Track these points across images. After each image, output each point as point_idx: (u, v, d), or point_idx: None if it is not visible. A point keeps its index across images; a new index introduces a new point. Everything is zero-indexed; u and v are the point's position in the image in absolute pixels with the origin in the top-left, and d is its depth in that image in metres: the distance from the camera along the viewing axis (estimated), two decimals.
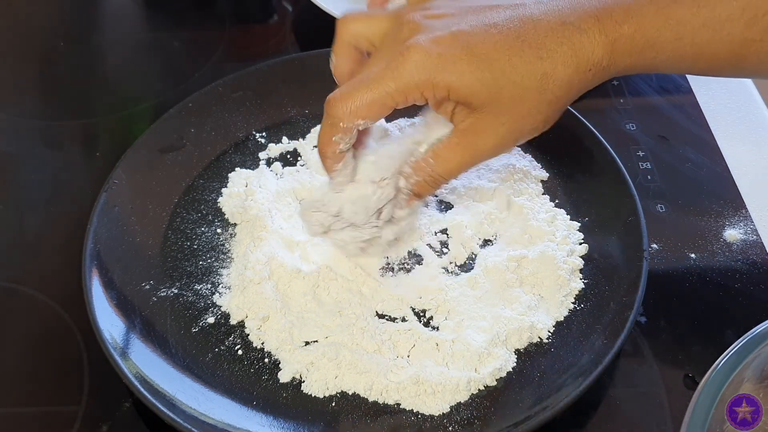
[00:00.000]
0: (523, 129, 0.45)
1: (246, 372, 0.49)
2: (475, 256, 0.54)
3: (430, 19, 0.45)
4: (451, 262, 0.54)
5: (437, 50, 0.43)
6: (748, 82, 0.70)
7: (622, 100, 0.68)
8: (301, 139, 0.63)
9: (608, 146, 0.57)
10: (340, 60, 0.48)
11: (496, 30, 0.43)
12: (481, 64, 0.43)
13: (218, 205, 0.59)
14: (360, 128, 0.46)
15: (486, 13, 0.45)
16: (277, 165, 0.61)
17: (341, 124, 0.45)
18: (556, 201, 0.58)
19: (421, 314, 0.51)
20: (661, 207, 0.59)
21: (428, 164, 0.47)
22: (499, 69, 0.43)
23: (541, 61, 0.43)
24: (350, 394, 0.47)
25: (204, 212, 0.58)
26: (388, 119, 0.53)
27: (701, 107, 0.68)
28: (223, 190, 0.59)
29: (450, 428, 0.45)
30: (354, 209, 0.49)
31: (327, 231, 0.51)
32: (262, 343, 0.50)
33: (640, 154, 0.63)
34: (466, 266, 0.54)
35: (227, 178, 0.60)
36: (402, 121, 0.61)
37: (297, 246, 0.54)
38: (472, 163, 0.48)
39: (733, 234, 0.57)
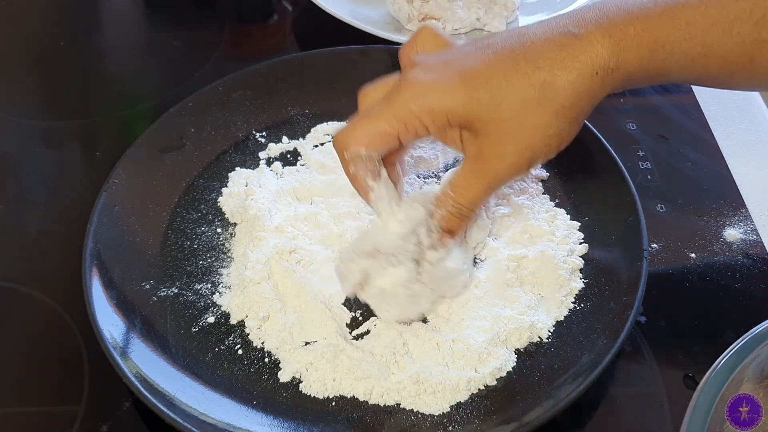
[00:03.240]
0: (533, 146, 0.43)
1: (246, 372, 0.49)
2: (476, 255, 0.54)
3: (426, 54, 0.45)
4: None
5: (431, 77, 0.42)
6: None
7: (622, 100, 0.68)
8: (301, 139, 0.63)
9: (608, 146, 0.57)
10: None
11: (490, 50, 0.43)
12: (476, 83, 0.42)
13: (218, 204, 0.59)
14: (365, 158, 0.45)
15: (482, 41, 0.44)
16: (277, 165, 0.61)
17: (345, 154, 0.45)
18: (556, 200, 0.58)
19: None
20: (661, 207, 0.59)
21: (449, 196, 0.45)
22: (495, 85, 0.42)
23: (539, 70, 0.41)
24: (348, 397, 0.47)
25: (204, 212, 0.58)
26: None
27: (701, 107, 0.68)
28: (223, 189, 0.59)
29: (450, 428, 0.45)
30: (386, 237, 0.47)
31: (366, 282, 0.49)
32: (262, 343, 0.50)
33: (640, 153, 0.63)
34: None
35: (227, 177, 0.60)
36: None
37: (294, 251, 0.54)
38: (490, 189, 0.45)
39: (733, 234, 0.57)
